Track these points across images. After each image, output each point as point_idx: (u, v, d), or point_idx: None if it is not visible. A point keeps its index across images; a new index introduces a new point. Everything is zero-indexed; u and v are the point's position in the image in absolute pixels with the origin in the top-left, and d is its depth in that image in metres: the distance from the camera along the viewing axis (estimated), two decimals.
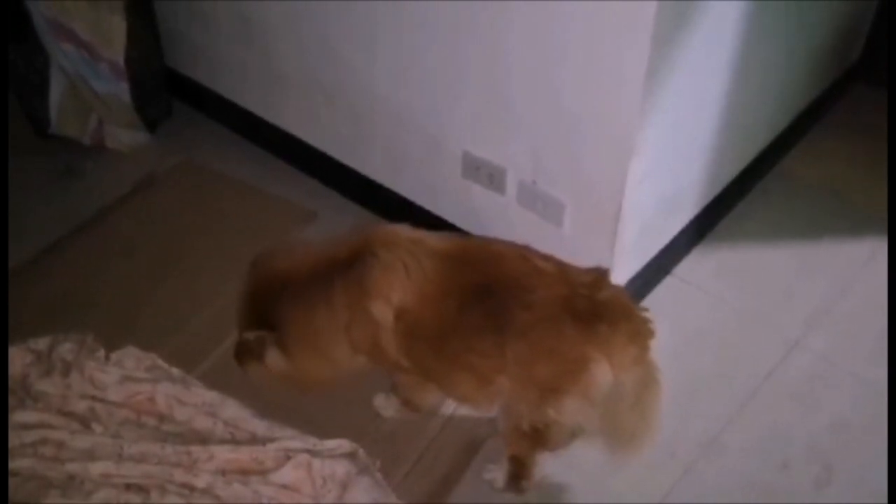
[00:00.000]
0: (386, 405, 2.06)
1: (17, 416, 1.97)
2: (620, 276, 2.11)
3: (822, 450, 1.98)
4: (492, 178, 2.14)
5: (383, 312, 1.74)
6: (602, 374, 1.64)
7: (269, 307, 1.81)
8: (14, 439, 1.93)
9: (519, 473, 1.88)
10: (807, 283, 2.34)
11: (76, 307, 2.28)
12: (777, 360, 2.16)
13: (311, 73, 2.42)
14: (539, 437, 1.79)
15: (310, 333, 1.81)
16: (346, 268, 1.74)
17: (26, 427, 1.95)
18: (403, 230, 1.79)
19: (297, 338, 1.82)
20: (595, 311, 1.65)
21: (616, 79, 1.78)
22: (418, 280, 1.72)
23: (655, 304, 2.23)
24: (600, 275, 1.72)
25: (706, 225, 2.44)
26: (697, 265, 2.39)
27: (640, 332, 1.68)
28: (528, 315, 1.66)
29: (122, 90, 2.61)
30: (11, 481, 1.87)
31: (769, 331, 2.23)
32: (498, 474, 1.90)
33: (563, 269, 1.72)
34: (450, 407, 2.07)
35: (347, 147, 2.50)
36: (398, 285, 1.72)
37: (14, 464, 1.90)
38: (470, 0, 1.92)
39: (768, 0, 2.02)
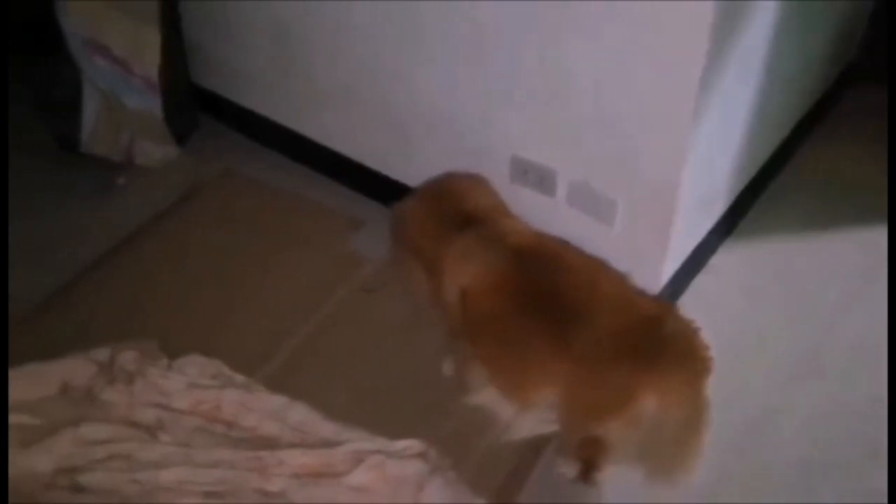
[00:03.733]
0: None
1: (84, 433, 1.97)
2: (666, 272, 2.20)
3: (863, 429, 2.07)
4: (541, 180, 2.21)
5: (451, 288, 1.87)
6: (648, 407, 1.67)
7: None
8: (83, 456, 1.93)
9: (589, 468, 1.92)
10: (831, 272, 2.45)
11: (128, 318, 2.29)
12: (813, 343, 2.27)
13: (350, 83, 2.47)
14: (595, 447, 1.84)
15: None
16: (454, 231, 1.89)
17: (95, 443, 1.95)
18: (500, 217, 1.92)
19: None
20: (654, 345, 1.68)
21: (674, 80, 1.86)
22: (487, 270, 1.82)
23: (691, 297, 2.33)
24: (667, 308, 1.76)
25: (733, 221, 2.55)
26: (728, 259, 2.49)
27: (697, 372, 1.69)
28: (586, 337, 1.71)
29: (155, 105, 2.63)
30: (85, 498, 1.87)
31: (803, 316, 2.34)
32: (570, 467, 1.95)
33: (630, 296, 1.77)
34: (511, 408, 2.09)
35: (387, 157, 2.54)
36: (468, 270, 1.83)
37: (85, 479, 1.90)
38: (521, 1, 1.98)
39: (796, 1, 2.13)
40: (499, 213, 1.95)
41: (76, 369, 2.09)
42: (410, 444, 1.97)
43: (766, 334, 2.29)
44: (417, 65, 2.29)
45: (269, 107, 2.75)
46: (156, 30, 2.51)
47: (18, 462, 1.90)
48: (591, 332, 1.70)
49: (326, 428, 2.01)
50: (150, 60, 2.54)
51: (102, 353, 2.13)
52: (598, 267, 1.80)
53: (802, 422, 2.10)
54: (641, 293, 1.80)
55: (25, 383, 2.04)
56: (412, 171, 2.48)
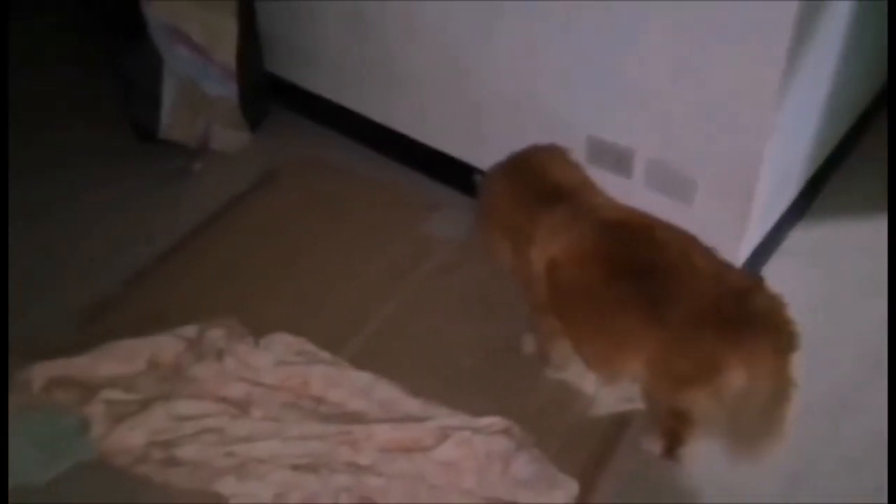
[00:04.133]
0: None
1: (176, 408, 2.02)
2: (743, 252, 2.20)
3: None
4: (619, 161, 2.22)
5: (539, 260, 1.90)
6: (735, 378, 1.69)
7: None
8: (175, 431, 1.99)
9: (674, 443, 1.95)
10: None
11: (210, 298, 2.34)
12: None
13: (425, 67, 2.50)
14: (680, 419, 1.87)
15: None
16: (544, 203, 1.91)
17: (187, 418, 2.01)
18: (591, 192, 1.95)
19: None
20: (743, 317, 1.69)
21: (760, 55, 1.86)
22: (576, 242, 1.85)
23: (767, 277, 2.32)
24: (756, 282, 1.77)
25: (807, 202, 2.54)
26: (802, 240, 2.49)
27: (785, 346, 1.69)
28: (676, 308, 1.72)
29: (231, 91, 2.69)
30: (178, 471, 1.93)
31: (879, 293, 2.33)
32: (655, 444, 1.97)
33: (720, 269, 1.77)
34: (593, 385, 2.13)
35: (461, 140, 2.57)
36: (556, 241, 1.87)
37: (179, 452, 1.95)
38: None
39: None
40: (588, 187, 1.97)
41: (164, 346, 2.15)
42: (494, 421, 2.00)
43: (844, 314, 2.29)
44: (494, 45, 2.31)
45: (341, 93, 2.80)
46: (233, 18, 2.57)
47: (111, 437, 1.97)
48: (681, 302, 1.72)
49: (411, 404, 2.04)
50: (227, 48, 2.60)
51: (190, 331, 2.19)
52: (689, 240, 1.82)
53: (882, 399, 2.08)
54: (731, 267, 1.82)
55: (115, 359, 2.12)
56: (486, 154, 2.50)
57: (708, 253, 1.80)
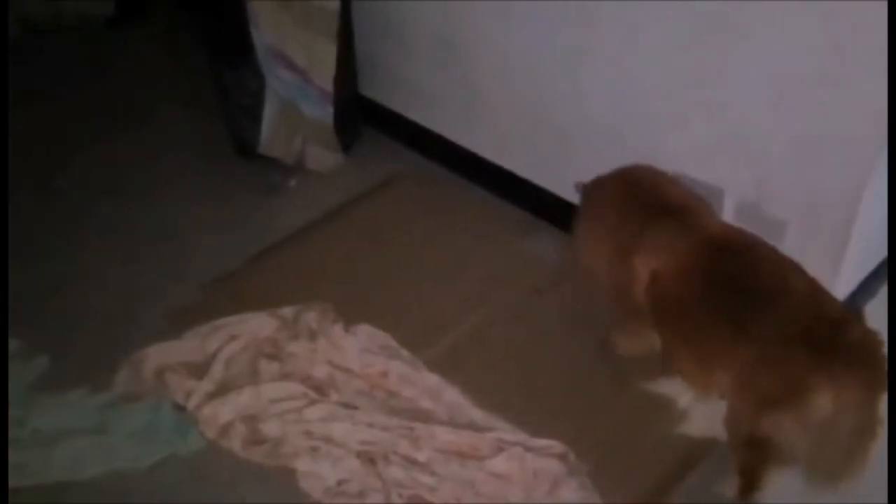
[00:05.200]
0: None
1: (263, 389, 2.14)
2: (840, 292, 2.11)
3: None
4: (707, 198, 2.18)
5: (642, 269, 1.95)
6: (822, 404, 1.65)
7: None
8: (260, 408, 2.11)
9: (748, 486, 1.90)
10: None
11: (310, 290, 2.43)
12: None
13: (514, 95, 2.52)
14: (760, 452, 1.82)
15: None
16: (653, 216, 1.97)
17: (272, 400, 2.13)
18: (699, 210, 1.98)
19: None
20: (836, 345, 1.67)
21: (860, 101, 1.81)
22: (680, 256, 1.89)
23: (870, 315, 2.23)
24: (856, 314, 1.76)
25: None
26: None
27: (876, 381, 1.67)
28: (768, 327, 1.72)
29: (328, 114, 2.77)
30: (260, 448, 2.04)
31: None
32: (729, 484, 1.93)
33: (819, 296, 1.76)
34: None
35: (548, 171, 2.58)
36: (661, 254, 1.92)
37: (262, 428, 2.08)
38: (694, 22, 1.99)
39: None
40: (699, 207, 2.00)
41: (263, 324, 2.29)
42: (552, 444, 2.03)
43: None
44: (583, 76, 2.32)
45: (431, 117, 2.85)
46: (332, 43, 2.65)
47: (204, 410, 2.10)
48: (774, 321, 1.72)
49: (476, 413, 2.11)
50: (326, 72, 2.69)
51: (287, 311, 2.33)
52: (792, 265, 1.82)
53: None
54: (831, 296, 1.80)
55: (219, 339, 2.26)
56: (570, 185, 2.50)
57: (809, 279, 1.79)
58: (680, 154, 2.19)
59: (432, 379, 2.18)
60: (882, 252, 2.28)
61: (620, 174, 2.11)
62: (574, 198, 2.49)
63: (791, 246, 2.08)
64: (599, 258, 2.10)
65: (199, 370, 2.20)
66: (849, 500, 1.85)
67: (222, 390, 2.14)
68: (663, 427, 2.12)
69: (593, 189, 2.15)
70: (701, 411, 2.11)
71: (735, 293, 1.79)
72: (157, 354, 2.22)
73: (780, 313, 1.73)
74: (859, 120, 1.84)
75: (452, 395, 2.14)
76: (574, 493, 1.94)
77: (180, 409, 2.13)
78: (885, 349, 1.68)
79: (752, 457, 1.86)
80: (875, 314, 2.27)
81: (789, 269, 1.80)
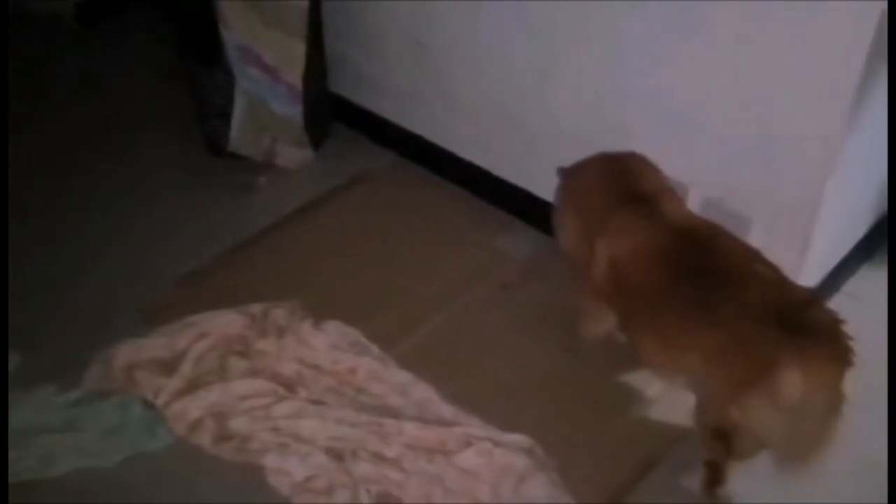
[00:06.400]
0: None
1: (232, 386, 2.15)
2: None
3: None
4: None
5: (601, 253, 1.99)
6: (790, 380, 1.67)
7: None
8: (228, 405, 2.12)
9: (713, 479, 1.93)
10: None
11: (271, 296, 2.41)
12: None
13: (485, 94, 2.54)
14: (728, 441, 1.85)
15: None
16: (622, 201, 1.99)
17: (241, 396, 2.14)
18: (668, 199, 1.99)
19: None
20: (802, 324, 1.70)
21: (824, 99, 1.85)
22: (644, 242, 1.92)
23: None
24: (817, 296, 1.81)
25: (874, 243, 2.47)
26: (865, 282, 2.42)
27: (842, 357, 1.70)
28: (735, 308, 1.75)
29: (297, 111, 2.77)
30: (228, 445, 2.05)
31: None
32: (694, 480, 1.96)
33: (782, 280, 1.80)
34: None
35: (518, 167, 2.59)
36: (624, 239, 1.95)
37: (230, 425, 2.08)
38: (662, 2, 2.01)
39: None
40: (667, 195, 2.02)
41: (233, 321, 2.30)
42: (519, 439, 2.05)
43: None
44: (552, 77, 2.34)
45: (402, 115, 2.85)
46: (302, 41, 2.65)
47: (173, 407, 2.11)
48: (742, 304, 1.75)
49: (445, 409, 2.12)
50: (296, 70, 2.69)
51: (255, 308, 2.33)
52: (754, 252, 1.86)
53: None
54: (792, 281, 1.83)
55: (188, 336, 2.26)
56: (543, 182, 2.52)
57: (771, 266, 1.82)
58: (646, 151, 2.21)
59: (401, 375, 2.19)
60: (844, 248, 2.32)
61: (600, 159, 2.13)
62: (546, 194, 2.52)
63: (755, 242, 2.11)
64: (570, 240, 2.14)
65: (168, 367, 2.20)
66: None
67: (192, 387, 2.15)
68: (631, 420, 2.14)
69: (572, 173, 2.19)
70: (668, 402, 2.13)
71: (701, 278, 1.81)
72: (127, 352, 2.22)
73: (746, 296, 1.76)
74: (821, 117, 1.87)
75: (422, 390, 2.15)
76: (541, 487, 1.96)
77: (149, 406, 2.13)
78: (846, 328, 1.72)
79: (720, 447, 1.88)
80: (838, 308, 2.33)
81: (753, 257, 1.84)
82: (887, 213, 2.43)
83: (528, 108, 2.45)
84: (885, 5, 1.68)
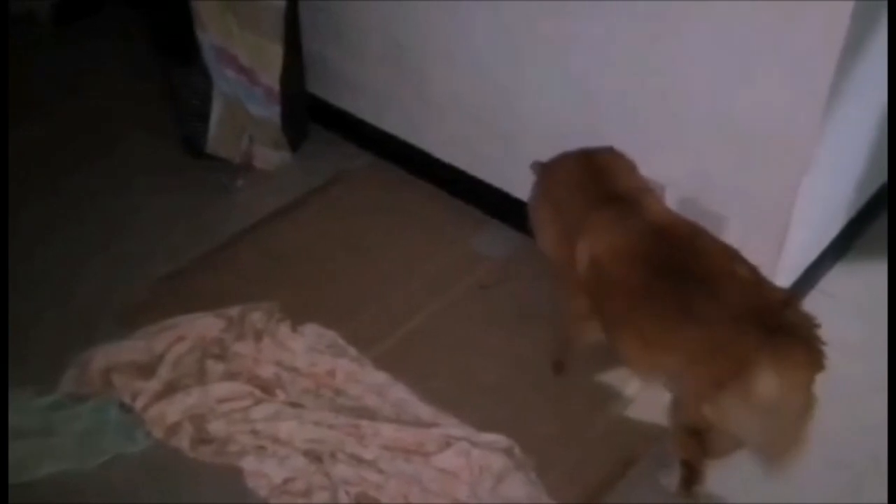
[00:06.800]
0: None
1: (210, 389, 2.14)
2: (780, 284, 2.16)
3: None
4: None
5: (583, 253, 1.99)
6: (765, 381, 1.69)
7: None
8: (207, 408, 2.11)
9: (690, 478, 1.95)
10: None
11: (249, 298, 2.40)
12: None
13: (462, 94, 2.54)
14: (703, 441, 1.87)
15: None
16: (600, 200, 2.00)
17: (219, 400, 2.13)
18: (646, 198, 2.00)
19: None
20: (778, 326, 1.72)
21: (798, 98, 1.86)
22: (624, 241, 1.92)
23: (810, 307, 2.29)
24: (793, 297, 1.81)
25: (849, 240, 2.49)
26: (840, 280, 2.44)
27: (815, 360, 1.72)
28: (713, 308, 1.76)
29: (274, 113, 2.77)
30: (207, 448, 2.05)
31: None
32: (672, 479, 1.97)
33: (760, 280, 1.81)
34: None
35: (497, 169, 2.60)
36: (605, 238, 1.95)
37: (208, 427, 2.08)
38: (633, 22, 2.03)
39: None
40: (645, 194, 2.03)
41: (209, 324, 2.29)
42: (497, 439, 2.05)
43: (876, 361, 2.22)
44: (528, 78, 2.34)
45: (380, 116, 2.85)
46: (278, 42, 2.64)
47: (151, 411, 2.10)
48: (720, 305, 1.76)
49: (423, 410, 2.13)
50: (272, 72, 2.68)
51: (233, 311, 2.33)
52: (733, 252, 1.87)
53: None
54: (770, 281, 1.84)
55: (165, 339, 2.26)
56: (519, 181, 2.53)
57: (749, 266, 1.84)
58: (621, 149, 2.22)
59: (379, 376, 2.19)
60: (820, 246, 2.34)
61: (577, 156, 2.13)
62: (522, 193, 2.53)
63: (731, 240, 2.12)
64: (550, 240, 2.14)
65: (146, 370, 2.19)
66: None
67: (170, 390, 2.14)
68: (609, 419, 2.15)
69: (549, 169, 2.19)
70: (647, 401, 2.15)
71: (680, 277, 1.82)
72: (105, 355, 2.21)
73: (724, 296, 1.77)
74: (795, 116, 1.89)
75: (399, 391, 2.16)
76: (519, 487, 1.96)
77: (127, 409, 2.12)
78: (820, 331, 1.74)
79: (695, 445, 1.89)
80: (813, 306, 2.35)
81: (732, 256, 1.85)
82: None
83: (503, 108, 2.45)
84: (855, 4, 1.70)
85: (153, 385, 2.14)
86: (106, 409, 2.11)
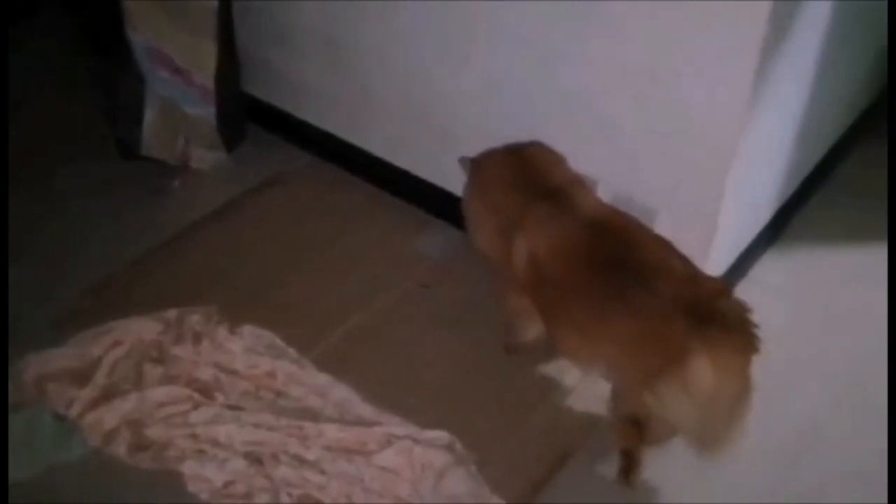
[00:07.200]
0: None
1: (148, 394, 2.12)
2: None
3: None
4: None
5: (521, 248, 2.01)
6: (700, 368, 1.72)
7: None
8: (144, 413, 2.09)
9: (629, 467, 1.99)
10: (875, 284, 2.43)
11: (186, 300, 2.39)
12: (855, 356, 2.27)
13: (400, 93, 2.54)
14: (642, 430, 1.91)
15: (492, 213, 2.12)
16: (536, 195, 2.02)
17: (157, 404, 2.11)
18: (580, 191, 2.03)
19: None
20: (711, 314, 1.76)
21: (722, 89, 1.90)
22: (561, 236, 1.96)
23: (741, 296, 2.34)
24: (726, 287, 1.87)
25: (777, 229, 2.56)
26: (771, 268, 2.50)
27: (749, 345, 1.77)
28: (648, 299, 1.80)
29: (210, 113, 2.74)
30: (145, 454, 2.03)
31: (845, 329, 2.34)
32: (610, 468, 2.01)
33: (693, 271, 1.86)
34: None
35: (435, 167, 2.60)
36: (542, 233, 1.98)
37: (146, 433, 2.06)
38: (562, 19, 2.06)
39: (849, 1, 2.13)
40: (578, 187, 2.06)
41: (146, 327, 2.26)
42: (439, 435, 2.07)
43: (808, 346, 2.30)
44: (464, 77, 2.35)
45: (318, 116, 2.84)
46: (213, 42, 2.62)
47: (87, 418, 2.07)
48: (655, 296, 1.79)
49: (364, 409, 2.13)
50: (207, 71, 2.66)
51: (170, 314, 2.30)
52: (666, 244, 1.91)
53: (845, 435, 2.11)
54: (702, 272, 1.89)
55: (101, 344, 2.22)
56: (458, 179, 2.54)
57: (683, 258, 1.88)
58: (555, 146, 2.25)
59: (320, 377, 2.19)
60: (749, 236, 2.39)
61: (506, 152, 2.16)
62: (461, 192, 2.54)
63: (663, 233, 2.14)
64: (486, 237, 2.15)
65: (81, 377, 2.15)
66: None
67: (106, 396, 2.11)
68: (549, 411, 2.17)
69: (479, 166, 2.20)
70: (586, 392, 2.18)
71: (616, 270, 1.86)
72: (38, 363, 2.17)
73: (659, 288, 1.80)
74: (721, 109, 1.93)
75: (341, 391, 2.16)
76: (461, 482, 1.98)
77: (61, 418, 2.08)
78: (753, 316, 1.79)
79: (634, 434, 1.94)
80: (745, 294, 2.40)
81: (665, 249, 1.89)
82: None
83: (440, 105, 2.46)
84: (773, 4, 1.74)
85: (89, 392, 2.11)
86: (39, 419, 2.07)
